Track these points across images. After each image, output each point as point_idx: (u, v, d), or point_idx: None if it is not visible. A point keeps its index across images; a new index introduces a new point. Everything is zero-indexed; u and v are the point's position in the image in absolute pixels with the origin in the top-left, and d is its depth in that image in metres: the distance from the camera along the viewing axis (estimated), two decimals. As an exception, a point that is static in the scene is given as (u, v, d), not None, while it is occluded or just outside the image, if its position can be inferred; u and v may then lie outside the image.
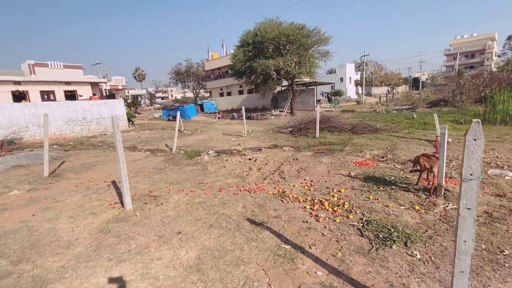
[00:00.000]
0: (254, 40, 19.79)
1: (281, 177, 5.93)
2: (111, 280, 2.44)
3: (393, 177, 5.24)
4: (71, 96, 19.65)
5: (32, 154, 9.40)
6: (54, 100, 18.32)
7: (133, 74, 69.85)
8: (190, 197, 4.70)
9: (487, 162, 5.90)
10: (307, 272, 2.47)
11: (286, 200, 4.43)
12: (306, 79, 24.45)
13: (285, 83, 25.19)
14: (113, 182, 5.94)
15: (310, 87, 26.32)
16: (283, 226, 3.42)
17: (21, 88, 17.35)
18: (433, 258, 2.65)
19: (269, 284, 2.32)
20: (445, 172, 4.49)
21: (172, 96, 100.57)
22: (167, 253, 2.87)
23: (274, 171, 6.50)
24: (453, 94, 19.20)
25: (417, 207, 3.85)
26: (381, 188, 4.68)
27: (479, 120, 1.46)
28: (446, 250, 2.77)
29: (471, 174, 1.48)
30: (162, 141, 12.44)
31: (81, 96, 19.68)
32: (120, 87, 37.33)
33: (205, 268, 2.57)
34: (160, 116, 31.07)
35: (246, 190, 4.99)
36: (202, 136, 13.66)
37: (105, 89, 23.90)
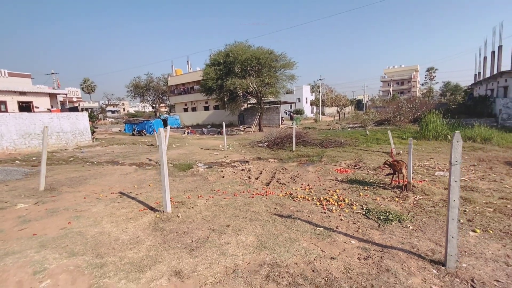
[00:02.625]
0: (225, 60, 20.94)
1: (281, 184, 6.84)
2: (200, 260, 3.00)
3: (371, 180, 6.60)
4: (26, 107, 17.65)
5: (3, 170, 8.62)
6: (6, 111, 16.31)
7: (81, 85, 64.38)
8: (214, 201, 5.28)
9: (432, 167, 7.74)
10: (345, 242, 3.40)
11: (297, 200, 5.34)
12: (271, 98, 26.35)
13: (251, 100, 26.69)
14: (122, 194, 6.10)
15: (275, 105, 28.31)
16: (309, 216, 4.32)
17: (-35, 97, 15.11)
18: (420, 228, 3.83)
19: (322, 251, 3.18)
20: (411, 174, 5.96)
21: (124, 110, 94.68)
22: (230, 239, 3.51)
23: (271, 179, 7.37)
24: (394, 115, 22.92)
25: (396, 199, 5.14)
26: (366, 188, 5.94)
27: (458, 131, 2.65)
28: (425, 224, 3.99)
29: (456, 161, 2.64)
30: (140, 156, 12.30)
31: (38, 108, 17.84)
32: (75, 99, 34.32)
33: (269, 245, 3.31)
34: (120, 130, 29.50)
35: (258, 194, 5.76)
36: (181, 150, 13.84)
37: (60, 101, 22.04)
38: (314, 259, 2.98)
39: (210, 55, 24.52)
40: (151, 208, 4.88)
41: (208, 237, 3.58)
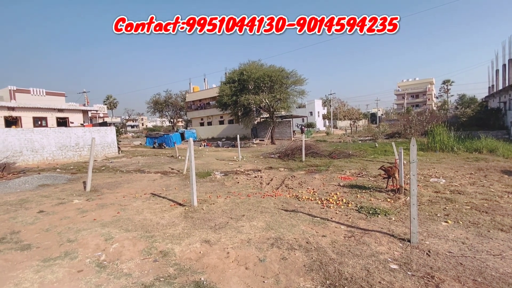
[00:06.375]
0: (239, 78, 22.50)
1: (289, 188, 7.74)
2: (222, 235, 3.98)
3: (370, 185, 7.38)
4: (62, 123, 19.84)
5: (50, 176, 10.07)
6: (46, 126, 18.42)
7: (104, 102, 68.84)
8: (231, 199, 6.28)
9: (429, 175, 8.40)
10: (336, 227, 4.28)
11: (301, 200, 6.24)
12: (283, 113, 27.51)
13: (264, 115, 27.96)
14: (153, 194, 7.22)
15: (286, 119, 29.41)
16: (309, 211, 5.22)
17: (14, 113, 17.35)
18: (401, 219, 4.63)
19: (316, 232, 4.07)
20: (403, 179, 6.71)
21: (143, 124, 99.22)
22: (244, 224, 4.47)
23: (280, 184, 8.29)
24: (404, 128, 23.33)
25: (388, 200, 5.92)
26: (364, 191, 6.74)
27: (414, 138, 3.55)
28: (407, 217, 4.77)
29: (413, 160, 3.53)
30: (163, 165, 13.57)
31: (72, 123, 19.97)
32: (101, 115, 37.20)
33: (275, 227, 4.24)
34: (141, 143, 31.47)
35: (269, 195, 6.70)
36: (199, 161, 15.03)
37: (89, 117, 24.33)
38: (309, 237, 3.88)
39: (226, 73, 26.29)
40: (180, 204, 5.94)
41: (227, 222, 4.57)
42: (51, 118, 18.93)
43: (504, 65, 24.12)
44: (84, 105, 29.97)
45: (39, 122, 18.44)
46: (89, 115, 25.41)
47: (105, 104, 68.54)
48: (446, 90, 61.03)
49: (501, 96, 23.81)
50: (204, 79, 37.99)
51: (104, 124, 19.93)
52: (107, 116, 45.51)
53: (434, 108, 49.17)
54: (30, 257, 3.45)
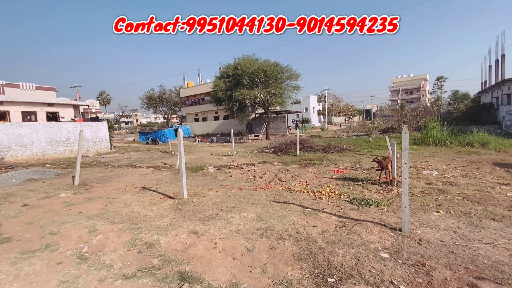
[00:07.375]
0: (234, 73, 22.25)
1: (282, 181, 7.66)
2: (211, 226, 3.88)
3: (363, 177, 7.34)
4: (52, 117, 19.41)
5: (38, 170, 9.82)
6: (36, 121, 18.02)
7: (98, 97, 67.69)
8: (222, 192, 6.17)
9: (422, 167, 8.40)
10: (327, 217, 4.20)
11: (293, 192, 6.15)
12: (278, 108, 27.38)
13: (259, 110, 27.80)
14: (143, 188, 7.07)
15: (281, 115, 29.30)
16: (301, 202, 5.14)
17: (2, 108, 16.90)
18: (393, 210, 4.58)
19: (307, 222, 3.99)
20: (396, 171, 6.69)
21: (137, 121, 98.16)
22: (235, 215, 4.37)
23: (274, 178, 8.21)
24: (398, 123, 23.43)
25: (381, 191, 5.88)
26: (357, 184, 6.69)
27: (406, 125, 3.48)
28: (399, 207, 4.73)
29: (405, 148, 3.46)
30: (155, 160, 13.37)
31: (63, 118, 19.56)
32: (93, 110, 36.60)
33: (266, 219, 4.15)
34: (134, 139, 31.10)
35: (261, 188, 6.61)
36: (193, 156, 14.87)
37: (81, 112, 23.88)
38: (299, 227, 3.80)
39: (220, 68, 25.99)
40: (170, 197, 5.81)
41: (217, 214, 4.46)
42: (41, 112, 18.50)
43: (497, 61, 24.32)
44: (75, 100, 29.41)
45: (28, 117, 18.02)
46: (81, 110, 24.96)
47: (98, 100, 67.43)
48: (439, 86, 61.53)
49: (493, 91, 24.03)
50: (199, 74, 37.63)
51: (96, 119, 19.61)
52: (100, 112, 44.85)
53: (428, 104, 49.56)
54: (8, 250, 3.30)
